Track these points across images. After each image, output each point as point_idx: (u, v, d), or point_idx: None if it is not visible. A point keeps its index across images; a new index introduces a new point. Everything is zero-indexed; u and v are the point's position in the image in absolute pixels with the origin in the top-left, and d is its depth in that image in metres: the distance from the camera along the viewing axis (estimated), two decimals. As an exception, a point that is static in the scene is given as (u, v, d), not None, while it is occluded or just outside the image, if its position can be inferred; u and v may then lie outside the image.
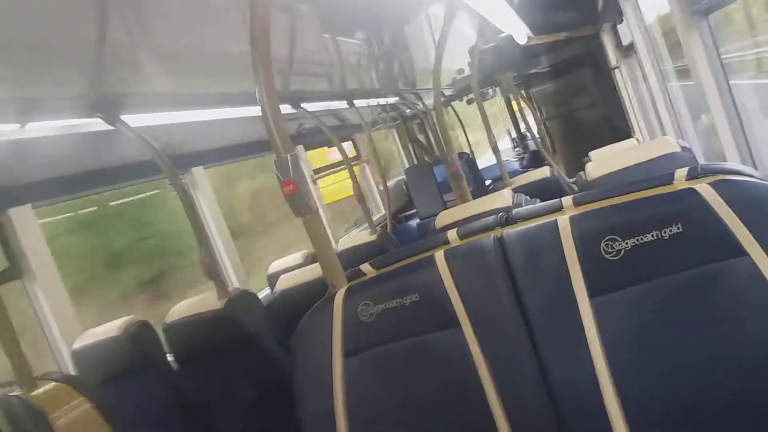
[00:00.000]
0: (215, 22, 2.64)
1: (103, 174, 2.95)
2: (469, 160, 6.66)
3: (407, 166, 7.36)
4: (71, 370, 2.41)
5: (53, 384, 1.65)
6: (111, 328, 2.36)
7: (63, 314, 2.55)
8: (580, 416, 1.14)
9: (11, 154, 2.35)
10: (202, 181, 3.57)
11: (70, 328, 2.53)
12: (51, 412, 1.54)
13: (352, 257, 3.30)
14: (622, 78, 6.00)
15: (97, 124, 2.41)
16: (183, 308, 2.46)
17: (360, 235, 3.87)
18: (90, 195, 3.13)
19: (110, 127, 2.42)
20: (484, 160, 8.35)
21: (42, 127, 2.29)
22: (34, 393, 1.61)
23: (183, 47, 2.54)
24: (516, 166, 8.07)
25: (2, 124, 2.08)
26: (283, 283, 2.88)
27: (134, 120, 2.53)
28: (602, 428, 1.11)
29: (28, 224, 2.54)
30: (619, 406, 1.11)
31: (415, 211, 6.53)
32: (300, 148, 4.60)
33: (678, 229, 1.12)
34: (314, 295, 1.50)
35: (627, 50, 5.24)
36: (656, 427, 1.10)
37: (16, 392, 1.60)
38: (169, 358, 2.56)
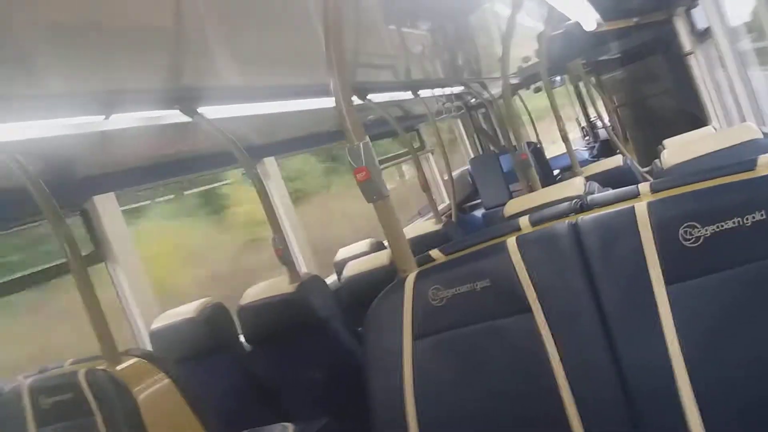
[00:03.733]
0: (288, 17, 2.70)
1: (180, 163, 3.07)
2: (537, 150, 6.55)
3: (472, 155, 7.30)
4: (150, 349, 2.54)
5: (135, 360, 1.76)
6: (187, 309, 2.47)
7: (143, 296, 2.68)
8: (653, 405, 1.12)
9: (96, 144, 2.49)
10: (274, 171, 3.67)
11: (150, 309, 2.67)
12: (133, 386, 1.64)
13: (417, 246, 3.32)
14: (697, 64, 5.76)
15: (175, 116, 2.52)
16: (256, 291, 2.54)
17: (425, 225, 3.88)
18: (168, 183, 3.27)
19: (188, 119, 2.52)
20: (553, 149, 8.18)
21: (124, 119, 2.41)
22: (119, 367, 1.71)
23: (257, 42, 2.62)
24: (585, 155, 7.88)
25: (88, 116, 2.20)
26: (350, 269, 2.94)
27: (210, 112, 2.63)
28: (675, 418, 1.09)
29: (111, 211, 2.68)
30: (693, 396, 1.08)
31: (479, 201, 6.48)
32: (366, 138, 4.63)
33: (761, 216, 1.08)
34: (380, 282, 1.53)
35: (702, 35, 5.03)
36: (731, 418, 1.07)
37: (102, 366, 1.71)
38: (242, 339, 2.65)
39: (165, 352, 2.35)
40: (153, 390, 1.67)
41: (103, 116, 2.23)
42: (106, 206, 2.66)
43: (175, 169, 3.09)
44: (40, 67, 1.82)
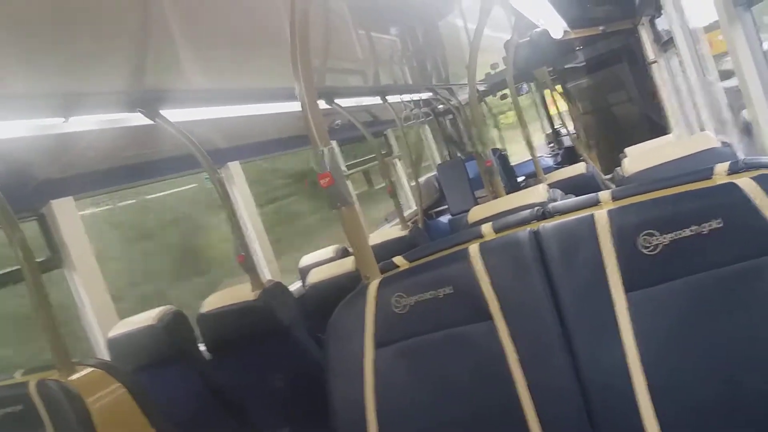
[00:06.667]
0: (254, 19, 2.67)
1: (142, 167, 3.01)
2: (502, 156, 6.61)
3: (439, 161, 7.34)
4: (107, 358, 2.47)
5: (90, 369, 1.70)
6: (146, 317, 2.41)
7: (100, 303, 2.62)
8: (610, 409, 1.13)
9: (55, 147, 2.42)
10: (238, 176, 3.62)
11: (107, 316, 2.60)
12: (87, 396, 1.59)
13: (383, 252, 3.32)
14: (659, 73, 5.89)
15: (137, 119, 2.47)
16: (217, 299, 2.50)
17: (391, 230, 3.88)
18: (129, 188, 3.21)
19: (150, 122, 2.47)
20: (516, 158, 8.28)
21: (85, 121, 2.35)
22: (72, 377, 1.66)
23: (222, 44, 2.59)
24: (550, 162, 7.98)
25: (47, 118, 2.15)
26: (314, 276, 2.91)
27: (174, 115, 2.58)
28: (632, 422, 1.10)
29: (70, 215, 2.61)
30: (649, 400, 1.09)
31: (446, 207, 6.51)
32: (333, 143, 4.61)
33: (718, 224, 1.10)
34: (344, 288, 1.51)
35: (665, 44, 5.14)
36: (686, 421, 1.08)
37: (55, 376, 1.65)
38: (202, 347, 2.61)
39: (122, 360, 2.30)
40: (108, 401, 1.62)
41: (63, 118, 2.17)
42: (65, 211, 2.58)
43: (136, 174, 3.02)
44: (-4, 65, 1.76)
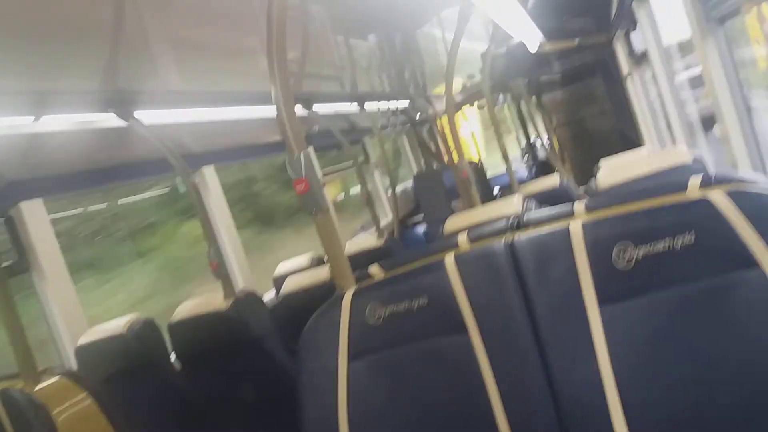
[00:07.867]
0: (231, 21, 2.64)
1: (114, 170, 2.95)
2: (477, 168, 6.64)
3: (416, 171, 7.34)
4: (74, 366, 2.41)
5: (56, 378, 1.66)
6: (116, 325, 2.35)
7: (69, 310, 2.55)
8: (584, 424, 1.13)
9: (24, 147, 2.36)
10: (212, 181, 3.57)
11: (76, 324, 2.53)
12: (53, 406, 1.54)
13: (358, 261, 3.29)
14: (633, 86, 5.98)
15: (110, 120, 2.42)
16: (188, 307, 2.45)
17: (366, 240, 3.86)
18: (100, 190, 3.14)
19: (123, 123, 2.42)
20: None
21: (56, 121, 2.29)
22: (37, 387, 1.61)
23: (198, 45, 2.55)
24: (524, 174, 8.03)
25: (16, 116, 2.09)
26: (289, 285, 2.87)
27: (148, 117, 2.53)
28: None
29: (38, 218, 2.54)
30: (623, 415, 1.09)
31: (422, 216, 6.50)
32: (310, 149, 4.57)
33: (691, 238, 1.10)
34: (319, 298, 1.49)
35: (640, 58, 5.22)
36: None
37: (20, 385, 1.60)
38: (173, 357, 2.55)
39: (91, 370, 2.24)
40: (74, 411, 1.57)
41: (33, 117, 2.12)
42: (34, 213, 2.51)
43: (108, 176, 2.96)
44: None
